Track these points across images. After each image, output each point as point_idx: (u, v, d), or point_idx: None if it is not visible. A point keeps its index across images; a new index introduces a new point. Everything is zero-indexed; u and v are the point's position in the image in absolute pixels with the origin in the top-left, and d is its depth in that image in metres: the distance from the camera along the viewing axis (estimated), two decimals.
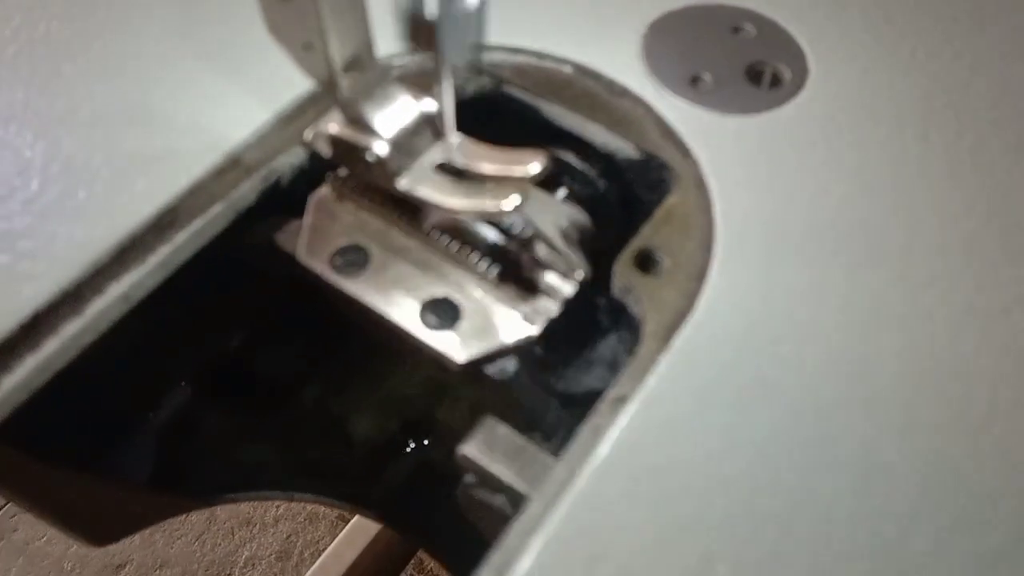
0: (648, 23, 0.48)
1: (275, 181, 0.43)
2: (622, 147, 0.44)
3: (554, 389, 0.41)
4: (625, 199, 0.47)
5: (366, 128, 0.37)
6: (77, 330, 0.37)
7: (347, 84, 0.35)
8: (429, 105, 0.38)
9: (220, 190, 0.42)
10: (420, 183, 0.37)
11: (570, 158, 0.47)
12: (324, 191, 0.43)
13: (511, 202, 0.35)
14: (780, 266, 0.39)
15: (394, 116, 0.37)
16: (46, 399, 0.49)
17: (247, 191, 0.42)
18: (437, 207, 0.36)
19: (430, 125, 0.38)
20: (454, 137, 0.38)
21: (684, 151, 0.43)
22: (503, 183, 0.36)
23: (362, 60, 0.35)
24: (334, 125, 0.38)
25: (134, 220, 0.40)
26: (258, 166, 0.43)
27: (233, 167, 0.42)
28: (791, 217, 0.41)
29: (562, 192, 0.48)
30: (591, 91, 0.46)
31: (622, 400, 0.35)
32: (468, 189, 0.36)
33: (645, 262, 0.40)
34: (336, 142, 0.38)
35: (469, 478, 0.38)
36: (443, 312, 0.39)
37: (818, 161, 0.43)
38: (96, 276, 0.38)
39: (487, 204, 0.35)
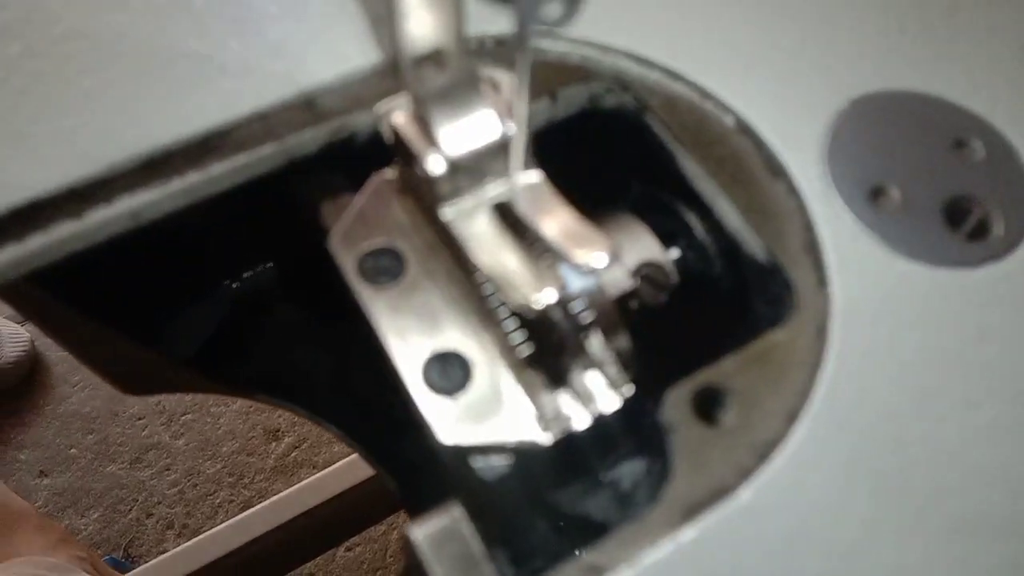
0: (852, 98, 0.37)
1: (347, 137, 0.37)
2: (751, 241, 0.35)
3: (545, 502, 0.34)
4: (734, 297, 0.38)
5: (429, 134, 0.30)
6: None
7: (418, 78, 0.28)
8: (517, 130, 0.30)
9: (279, 130, 0.36)
10: (465, 221, 0.30)
11: (693, 222, 0.38)
12: (389, 175, 0.36)
13: (545, 297, 0.27)
14: (876, 511, 0.30)
15: (464, 131, 0.30)
16: (109, 259, 0.46)
17: (308, 139, 0.36)
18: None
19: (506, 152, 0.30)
20: (525, 175, 0.30)
21: (822, 279, 0.34)
22: (571, 252, 0.28)
23: (445, 54, 0.28)
24: (401, 114, 0.31)
25: (174, 133, 0.35)
26: (331, 116, 0.36)
27: (304, 109, 0.36)
28: (922, 448, 0.31)
29: (675, 252, 0.39)
30: (744, 158, 0.36)
31: (596, 572, 0.28)
32: (513, 253, 0.29)
33: (707, 404, 0.32)
34: (397, 134, 0.31)
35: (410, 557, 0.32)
36: (451, 371, 0.32)
37: (1001, 368, 0.32)
38: (111, 183, 0.34)
39: (518, 291, 0.27)
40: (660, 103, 0.37)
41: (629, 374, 0.35)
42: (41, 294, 0.50)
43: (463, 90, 0.29)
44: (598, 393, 0.32)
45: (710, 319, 0.40)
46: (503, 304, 0.32)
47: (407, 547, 0.31)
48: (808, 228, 0.35)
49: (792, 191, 0.35)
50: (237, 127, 0.35)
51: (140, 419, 1.71)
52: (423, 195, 0.31)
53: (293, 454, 1.66)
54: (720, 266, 0.38)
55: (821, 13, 0.39)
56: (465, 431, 0.31)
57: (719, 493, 0.30)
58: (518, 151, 0.29)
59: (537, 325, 0.32)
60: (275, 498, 1.37)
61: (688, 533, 0.29)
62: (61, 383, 1.74)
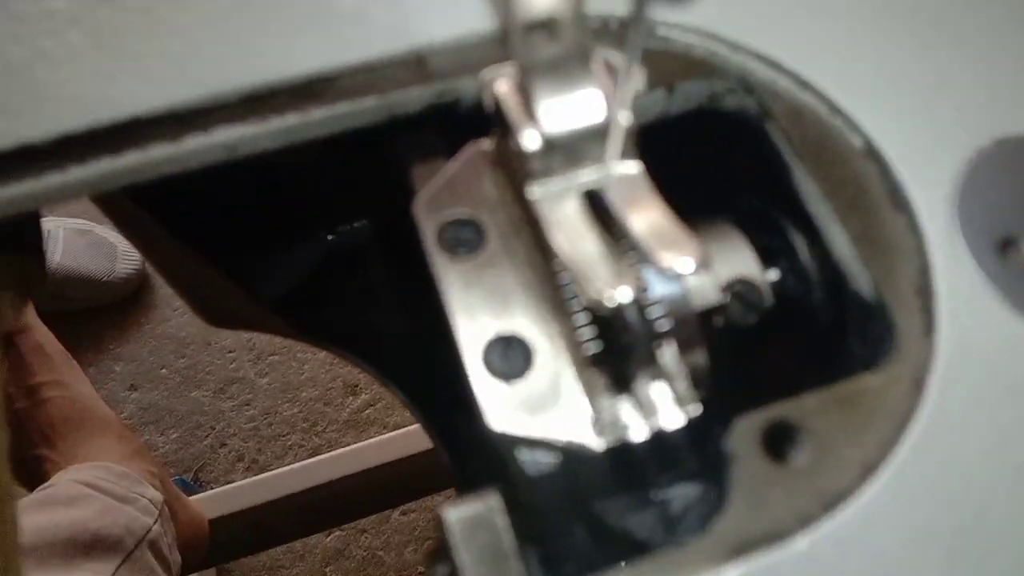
0: (997, 138, 0.34)
1: (452, 101, 0.36)
2: (859, 274, 0.32)
3: (589, 509, 0.32)
4: (830, 331, 0.35)
5: (529, 106, 0.28)
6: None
7: (526, 44, 0.27)
8: (621, 115, 0.28)
9: (384, 84, 0.35)
10: (552, 203, 0.28)
11: (800, 244, 0.36)
12: (485, 145, 0.35)
13: (619, 295, 0.25)
14: None
15: (567, 109, 0.28)
16: (209, 188, 0.47)
17: (413, 98, 0.35)
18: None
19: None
20: (623, 165, 0.29)
21: (930, 326, 0.31)
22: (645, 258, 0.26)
23: (559, 24, 0.26)
24: (505, 82, 0.29)
25: (279, 72, 0.34)
26: (438, 77, 0.35)
27: (412, 66, 0.35)
28: (1007, 526, 0.28)
29: (774, 273, 0.37)
30: (867, 184, 0.33)
31: None
32: (596, 244, 0.27)
33: (779, 439, 0.29)
34: (497, 102, 0.29)
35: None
36: (513, 356, 0.30)
37: None
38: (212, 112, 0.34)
39: (592, 284, 0.26)
40: (784, 111, 0.35)
41: (700, 393, 0.33)
42: (141, 213, 0.51)
43: (572, 65, 0.28)
44: (662, 407, 0.30)
45: (800, 350, 0.38)
46: (576, 296, 0.30)
47: (439, 526, 0.30)
48: (924, 270, 0.32)
49: (913, 228, 0.32)
50: (343, 75, 0.35)
51: (230, 352, 1.76)
52: (515, 170, 0.29)
53: (367, 411, 1.68)
54: (821, 295, 0.35)
55: (977, 43, 0.36)
56: (516, 420, 0.29)
57: (774, 536, 0.27)
58: (617, 138, 0.27)
59: (608, 324, 0.30)
60: (343, 450, 1.39)
61: (732, 571, 0.27)
62: (163, 305, 1.80)
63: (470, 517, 0.29)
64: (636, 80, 0.26)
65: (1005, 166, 0.33)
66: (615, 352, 0.30)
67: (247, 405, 1.73)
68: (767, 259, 0.37)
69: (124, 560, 0.89)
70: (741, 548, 0.27)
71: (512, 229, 0.33)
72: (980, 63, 0.36)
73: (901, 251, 0.32)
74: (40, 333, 1.05)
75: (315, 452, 1.68)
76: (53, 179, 0.32)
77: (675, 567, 0.27)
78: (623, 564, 0.27)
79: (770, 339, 0.36)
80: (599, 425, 0.29)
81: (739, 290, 0.35)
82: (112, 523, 0.88)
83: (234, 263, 0.58)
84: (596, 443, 0.29)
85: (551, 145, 0.28)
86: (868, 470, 0.28)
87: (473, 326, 0.31)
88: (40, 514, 0.86)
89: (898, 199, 0.33)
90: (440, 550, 0.30)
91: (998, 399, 0.29)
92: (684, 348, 0.32)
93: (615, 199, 0.28)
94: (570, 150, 0.28)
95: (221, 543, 1.25)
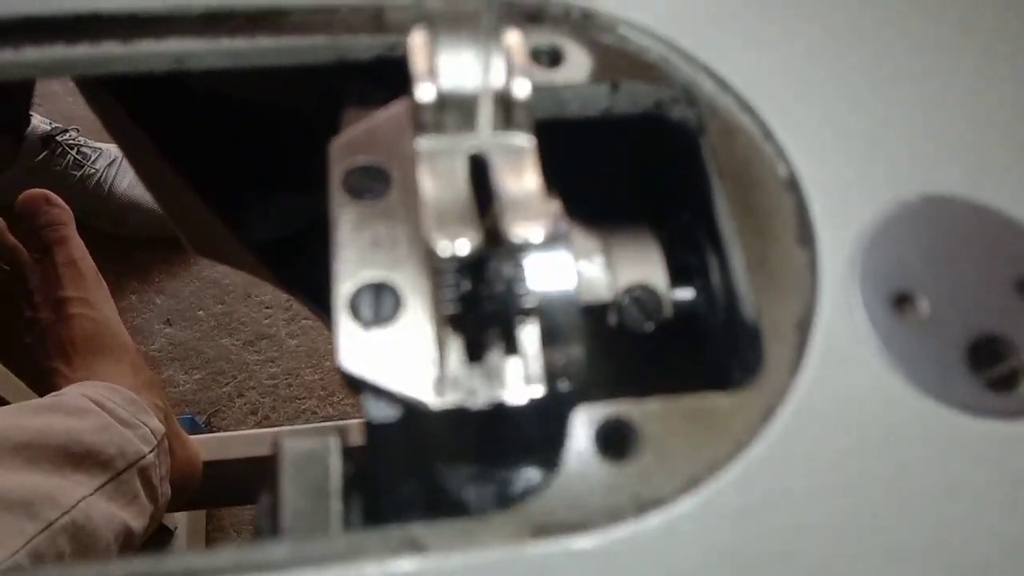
0: (925, 193, 0.33)
1: (400, 57, 0.36)
2: (747, 302, 0.32)
3: (423, 471, 0.32)
4: (717, 354, 0.35)
5: (432, 57, 0.29)
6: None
7: None
8: (516, 85, 0.28)
9: (338, 27, 0.36)
10: (435, 158, 0.29)
11: (713, 265, 0.36)
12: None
13: (458, 248, 0.25)
14: None
15: (465, 68, 0.28)
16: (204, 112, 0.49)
17: (364, 45, 0.36)
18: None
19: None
20: (515, 136, 0.29)
21: (797, 363, 0.30)
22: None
23: None
24: (419, 34, 0.30)
25: None
26: (395, 30, 0.36)
27: (370, 16, 0.36)
28: (811, 569, 0.27)
29: (687, 292, 0.36)
30: (779, 213, 0.33)
31: (414, 548, 0.26)
32: (461, 202, 0.28)
33: (613, 435, 0.29)
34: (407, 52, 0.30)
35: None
36: (383, 305, 0.31)
37: (952, 537, 0.28)
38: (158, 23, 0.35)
39: (434, 232, 0.26)
40: (718, 128, 0.35)
41: (573, 384, 0.33)
42: (143, 136, 0.53)
43: (480, 27, 0.28)
44: (509, 381, 0.30)
45: (687, 367, 0.37)
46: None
47: (275, 452, 0.31)
48: (809, 308, 0.31)
49: (812, 265, 0.32)
50: (299, 11, 0.36)
51: (267, 308, 1.80)
52: (412, 119, 0.30)
53: None
54: (717, 318, 0.35)
55: (932, 97, 0.35)
56: (364, 364, 0.30)
57: (574, 527, 0.27)
58: (487, 105, 0.28)
59: (472, 286, 0.30)
60: (351, 422, 1.40)
61: (528, 550, 0.27)
62: None
63: (304, 451, 0.30)
64: (517, 53, 0.27)
65: (924, 223, 0.32)
66: (479, 318, 0.30)
67: (272, 362, 1.76)
68: (687, 276, 0.37)
69: (111, 480, 0.91)
70: (541, 530, 0.27)
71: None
72: (929, 116, 0.35)
73: (792, 285, 0.31)
74: (77, 249, 1.08)
75: (326, 420, 1.70)
76: (6, 55, 0.34)
77: (470, 534, 0.27)
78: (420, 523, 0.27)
79: (664, 350, 0.36)
80: (441, 385, 0.29)
81: (638, 295, 0.35)
82: (107, 442, 0.90)
83: (227, 202, 0.59)
84: (434, 402, 0.29)
85: (445, 101, 0.28)
86: (691, 484, 0.28)
87: (351, 267, 0.31)
88: (40, 417, 0.89)
89: (805, 234, 0.32)
90: (271, 475, 0.31)
91: (841, 450, 0.29)
92: (560, 335, 0.32)
93: (496, 166, 0.28)
94: (466, 110, 0.29)
95: (215, 487, 1.27)
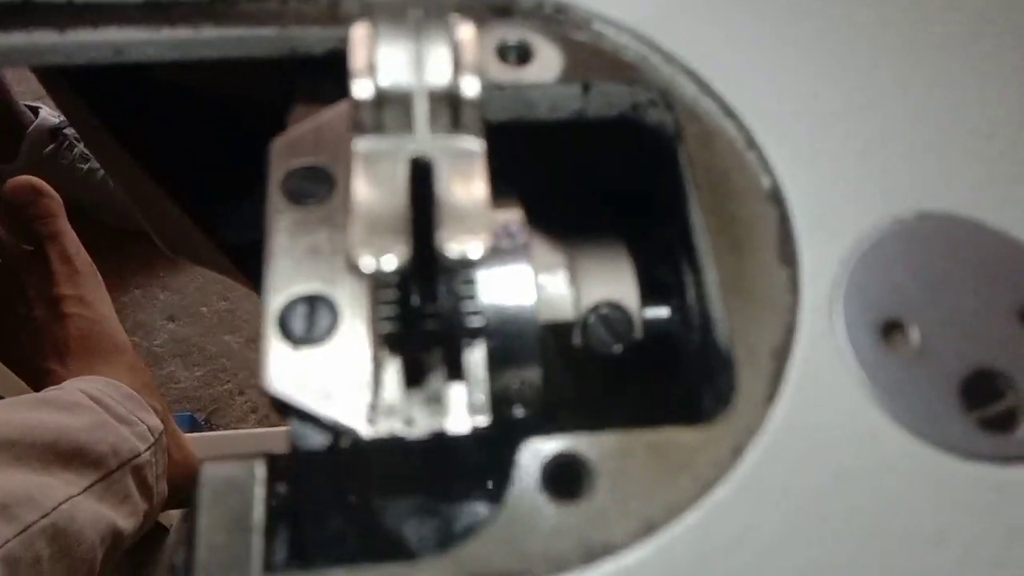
0: (921, 210, 0.30)
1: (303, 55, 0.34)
2: (721, 324, 0.29)
3: (358, 503, 0.30)
4: (690, 381, 0.32)
5: (371, 52, 0.26)
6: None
7: None
8: (464, 84, 0.26)
9: (289, 18, 0.33)
10: (374, 161, 0.26)
11: (689, 283, 0.33)
12: None
13: (384, 263, 0.23)
14: None
15: (407, 65, 0.26)
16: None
17: (316, 37, 0.33)
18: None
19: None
20: (463, 139, 0.26)
21: (773, 395, 0.27)
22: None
23: None
24: (361, 27, 0.27)
25: None
26: (350, 20, 0.33)
27: (325, 8, 0.34)
28: None
29: (661, 312, 0.34)
30: (760, 227, 0.30)
31: None
32: (396, 210, 0.25)
33: (564, 472, 0.26)
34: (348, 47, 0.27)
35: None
36: (318, 320, 0.28)
37: None
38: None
39: (358, 244, 0.23)
40: (697, 134, 0.32)
41: (529, 411, 0.30)
42: (112, 140, 0.51)
43: (425, 23, 0.26)
44: (452, 409, 0.27)
45: (659, 395, 0.34)
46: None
47: (196, 477, 0.28)
48: (789, 334, 0.28)
49: (793, 286, 0.29)
50: (247, 1, 0.33)
51: None
52: (350, 118, 0.27)
53: None
54: (693, 340, 0.32)
55: (937, 107, 0.32)
56: (292, 386, 0.27)
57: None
58: (422, 104, 0.25)
59: (418, 307, 0.28)
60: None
61: None
62: None
63: (224, 478, 0.27)
64: (468, 48, 0.24)
65: (918, 243, 0.29)
66: (421, 338, 0.28)
67: None
68: (662, 295, 0.34)
69: (102, 478, 0.89)
70: None
71: None
72: (930, 126, 0.32)
73: (771, 307, 0.29)
74: (71, 244, 1.06)
75: None
76: None
77: None
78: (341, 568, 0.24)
79: (634, 376, 0.33)
80: (375, 412, 0.27)
81: (606, 314, 0.32)
82: (100, 440, 0.88)
83: (198, 202, 0.57)
84: (365, 429, 0.26)
85: (383, 99, 0.26)
86: (646, 528, 0.25)
87: (284, 279, 0.29)
88: (33, 412, 0.87)
89: (787, 251, 0.29)
90: (191, 500, 0.28)
91: (817, 495, 0.26)
92: (516, 358, 0.30)
93: (440, 172, 0.26)
94: (407, 110, 0.26)
95: None
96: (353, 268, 0.23)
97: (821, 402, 0.27)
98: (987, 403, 0.27)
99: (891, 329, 0.28)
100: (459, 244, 0.23)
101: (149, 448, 0.96)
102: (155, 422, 0.98)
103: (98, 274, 1.13)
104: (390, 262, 0.23)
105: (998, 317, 0.28)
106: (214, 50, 0.33)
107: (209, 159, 0.53)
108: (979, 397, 0.27)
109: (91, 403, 0.92)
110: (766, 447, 0.26)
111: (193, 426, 1.58)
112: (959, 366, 0.28)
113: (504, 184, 0.32)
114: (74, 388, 0.93)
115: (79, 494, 0.85)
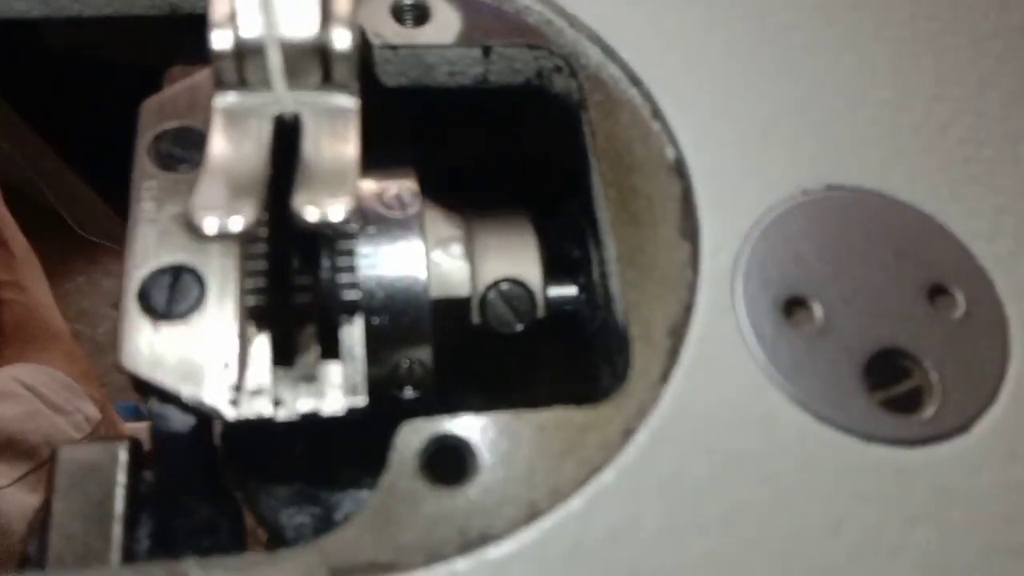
0: (828, 183, 0.29)
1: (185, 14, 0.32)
2: (617, 300, 0.27)
3: (229, 487, 0.28)
4: (589, 358, 0.30)
5: (232, 2, 0.24)
6: None
7: None
8: (337, 36, 0.24)
9: None
10: (236, 118, 0.24)
11: (596, 258, 0.31)
12: None
13: (232, 224, 0.21)
14: None
15: (270, 16, 0.24)
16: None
17: None
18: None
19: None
20: (337, 96, 0.24)
21: (667, 375, 0.26)
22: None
23: None
24: None
25: None
26: None
27: None
28: None
29: (566, 290, 0.32)
30: (661, 200, 0.28)
31: None
32: (254, 171, 0.23)
33: (444, 456, 0.24)
34: None
35: None
36: (185, 292, 0.26)
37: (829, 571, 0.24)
38: None
39: (197, 204, 0.21)
40: (601, 102, 0.30)
41: (419, 392, 0.28)
42: (29, 130, 0.48)
43: None
44: (327, 389, 0.25)
45: (558, 374, 0.33)
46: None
47: (53, 460, 0.26)
48: (687, 311, 0.27)
49: (692, 263, 0.27)
50: None
51: None
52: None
53: None
54: (597, 319, 0.30)
55: (849, 79, 0.31)
56: (150, 363, 0.25)
57: (382, 568, 0.23)
58: (275, 58, 0.23)
59: (290, 280, 0.26)
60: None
61: None
62: None
63: (82, 462, 0.25)
64: (342, 1, 0.22)
65: (826, 216, 0.28)
66: (292, 312, 0.26)
67: None
68: (569, 272, 0.33)
69: (33, 470, 0.86)
70: (342, 572, 0.23)
71: None
72: (842, 98, 0.30)
73: (670, 283, 0.27)
74: (7, 227, 1.03)
75: None
76: None
77: (259, 572, 0.23)
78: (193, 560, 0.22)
79: (533, 354, 0.32)
80: (238, 391, 0.25)
81: (507, 291, 0.30)
82: (34, 429, 0.85)
83: (106, 179, 0.54)
84: (228, 411, 0.24)
85: (243, 51, 0.24)
86: (529, 515, 0.23)
87: (147, 249, 0.26)
88: None
89: (689, 226, 0.28)
90: (49, 485, 0.26)
91: (709, 479, 0.24)
92: (403, 336, 0.28)
93: (307, 131, 0.24)
94: (280, 64, 0.24)
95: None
96: (196, 230, 0.21)
97: (717, 382, 0.25)
98: (891, 383, 0.26)
99: (793, 306, 0.27)
100: (318, 207, 0.21)
101: (85, 438, 0.93)
102: (92, 411, 0.95)
103: (36, 260, 1.10)
104: (236, 223, 0.21)
105: (905, 294, 0.27)
106: (89, 7, 0.31)
107: (112, 132, 0.50)
108: (883, 377, 0.26)
109: (25, 391, 0.89)
110: (656, 429, 0.25)
111: (138, 415, 1.54)
112: (863, 345, 0.26)
113: (404, 153, 0.31)
114: (7, 376, 0.90)
115: (8, 485, 0.82)
